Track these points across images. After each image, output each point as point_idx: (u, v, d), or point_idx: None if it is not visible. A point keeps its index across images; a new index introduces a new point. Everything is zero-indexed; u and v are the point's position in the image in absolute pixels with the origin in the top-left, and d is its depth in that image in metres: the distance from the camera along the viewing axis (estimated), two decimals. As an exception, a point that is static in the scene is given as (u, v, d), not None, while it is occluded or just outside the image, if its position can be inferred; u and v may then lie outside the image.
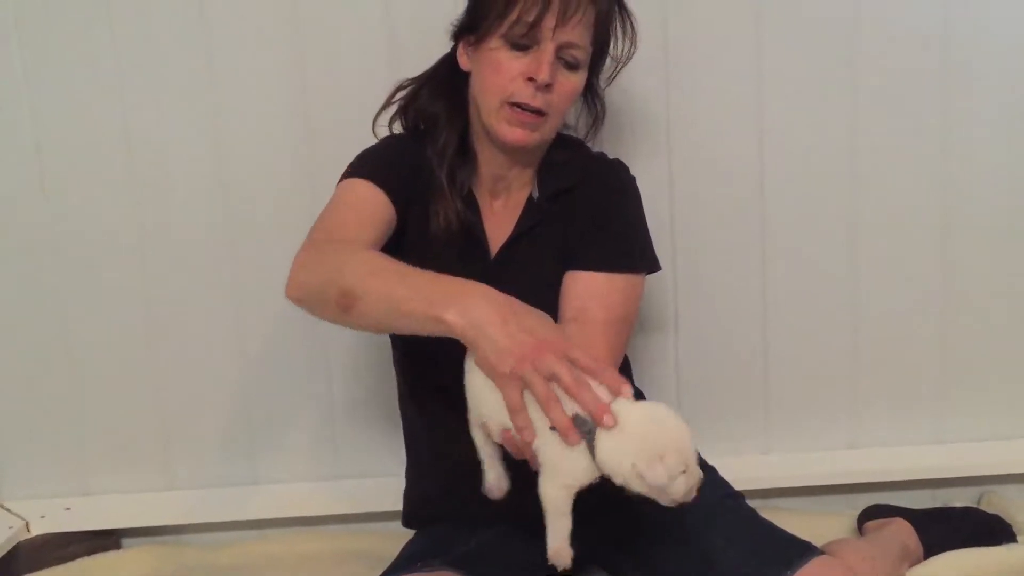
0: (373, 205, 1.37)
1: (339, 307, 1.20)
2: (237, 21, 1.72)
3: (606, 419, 1.08)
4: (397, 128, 1.51)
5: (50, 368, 1.82)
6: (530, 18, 1.32)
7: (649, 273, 1.47)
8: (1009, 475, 1.82)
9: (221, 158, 1.76)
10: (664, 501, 1.11)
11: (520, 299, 1.16)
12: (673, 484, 1.09)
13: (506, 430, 1.16)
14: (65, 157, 1.76)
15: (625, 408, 1.10)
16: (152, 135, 1.75)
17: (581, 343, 1.21)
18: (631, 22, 1.45)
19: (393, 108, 1.49)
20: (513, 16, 1.33)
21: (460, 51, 1.43)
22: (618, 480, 1.10)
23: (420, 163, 1.43)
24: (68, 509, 1.82)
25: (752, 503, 1.45)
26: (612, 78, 1.50)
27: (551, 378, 1.10)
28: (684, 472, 1.09)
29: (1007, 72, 1.75)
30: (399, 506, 1.58)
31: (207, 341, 1.82)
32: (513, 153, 1.43)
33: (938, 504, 1.80)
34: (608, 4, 1.39)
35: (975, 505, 1.79)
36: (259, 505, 1.82)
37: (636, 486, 1.10)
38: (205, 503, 1.83)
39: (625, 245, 1.44)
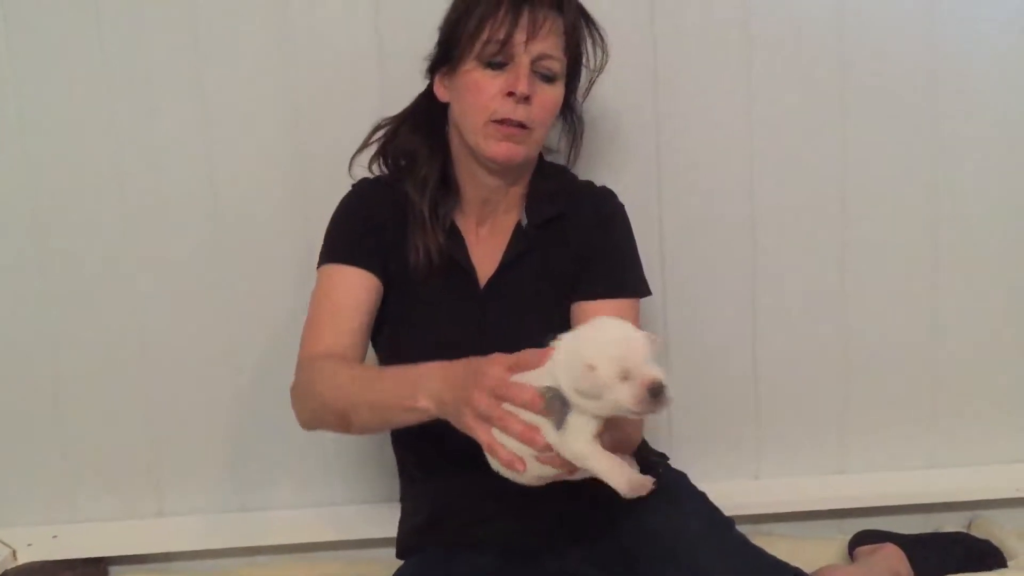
0: (348, 290, 1.42)
1: (340, 427, 1.34)
2: (229, 50, 1.73)
3: (536, 439, 1.11)
4: (376, 169, 1.53)
5: (38, 394, 1.81)
6: (501, 35, 1.36)
7: (641, 298, 1.48)
8: (999, 500, 1.82)
9: (214, 184, 1.76)
10: (619, 411, 1.10)
11: (513, 325, 1.18)
12: (614, 391, 1.09)
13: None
14: (57, 180, 1.76)
15: (568, 335, 1.14)
16: (145, 160, 1.76)
17: None
18: (598, 32, 1.48)
19: (372, 149, 1.52)
20: (485, 36, 1.37)
21: (437, 84, 1.46)
22: (582, 402, 1.10)
23: (391, 209, 1.45)
24: (55, 537, 1.81)
25: (743, 528, 1.45)
26: (588, 90, 1.53)
27: (486, 420, 1.12)
28: (626, 380, 1.09)
29: (996, 93, 1.77)
30: (392, 533, 1.57)
31: (197, 367, 1.81)
32: (501, 173, 1.44)
33: (929, 529, 1.80)
34: (574, 14, 1.43)
35: (965, 530, 1.79)
36: (249, 532, 1.81)
37: (592, 406, 1.10)
38: (194, 530, 1.81)
39: (625, 271, 1.47)
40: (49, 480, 1.84)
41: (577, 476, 1.17)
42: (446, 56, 1.43)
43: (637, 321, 1.45)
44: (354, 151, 1.53)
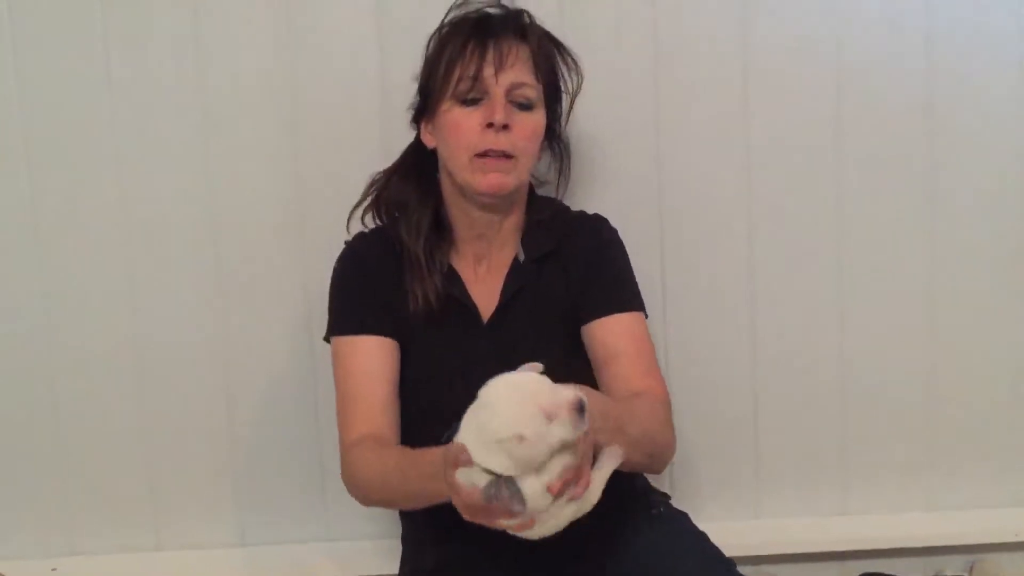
0: (368, 364, 1.46)
1: (389, 508, 1.50)
2: (232, 85, 1.75)
3: (526, 524, 1.15)
4: (371, 221, 1.56)
5: (37, 427, 1.81)
6: (471, 72, 1.40)
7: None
8: (1000, 543, 1.82)
9: (213, 221, 1.77)
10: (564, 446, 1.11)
11: (519, 360, 1.19)
12: (552, 437, 1.10)
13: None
14: (59, 216, 1.77)
15: (463, 429, 1.14)
16: (146, 197, 1.76)
17: (625, 379, 1.38)
18: (570, 55, 1.51)
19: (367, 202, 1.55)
20: (456, 75, 1.41)
21: (423, 132, 1.50)
22: (526, 468, 1.11)
23: (387, 260, 1.48)
24: (55, 569, 1.80)
25: (743, 569, 1.44)
26: (569, 113, 1.55)
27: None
28: (552, 419, 1.09)
29: (993, 143, 1.79)
30: (392, 569, 1.57)
31: (196, 401, 1.81)
32: (494, 207, 1.46)
33: (930, 572, 1.80)
34: (538, 40, 1.46)
35: (967, 574, 1.79)
36: (248, 566, 1.81)
37: (537, 463, 1.11)
38: (193, 564, 1.81)
39: (625, 287, 1.51)
40: (48, 513, 1.83)
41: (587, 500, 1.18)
42: (425, 103, 1.47)
43: (647, 333, 1.49)
44: (354, 189, 1.55)
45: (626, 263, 1.54)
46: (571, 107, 1.54)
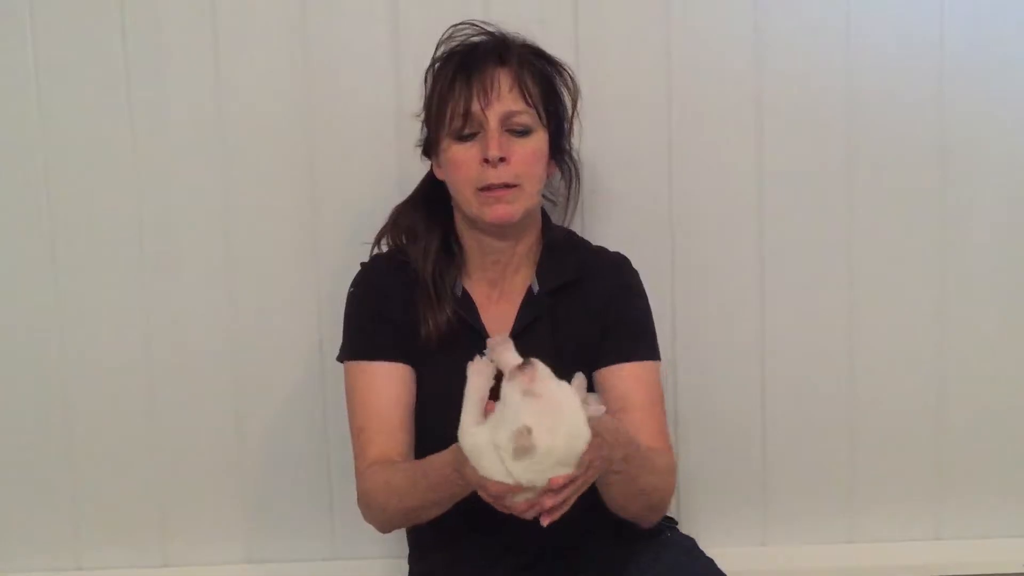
0: (383, 389, 1.46)
1: (414, 524, 1.47)
2: (250, 113, 1.76)
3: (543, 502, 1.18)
4: (385, 246, 1.57)
5: (47, 443, 1.82)
6: (460, 109, 1.41)
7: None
8: (1007, 574, 1.81)
9: (227, 240, 1.78)
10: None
11: None
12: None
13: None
14: (74, 236, 1.79)
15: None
16: (162, 219, 1.78)
17: (636, 433, 1.33)
18: (560, 67, 1.50)
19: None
20: (448, 113, 1.42)
21: (433, 165, 1.51)
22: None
23: (399, 284, 1.49)
24: (62, 585, 1.81)
25: (750, 595, 1.45)
26: (572, 125, 1.54)
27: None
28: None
29: (1006, 184, 1.79)
30: (397, 588, 1.58)
31: (206, 419, 1.82)
32: (505, 233, 1.47)
33: (936, 601, 1.79)
34: (519, 62, 1.44)
35: (974, 603, 1.78)
36: (255, 585, 1.81)
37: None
38: (200, 581, 1.81)
39: (645, 336, 1.50)
40: (55, 529, 1.84)
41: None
42: (429, 139, 1.49)
43: (659, 381, 1.49)
44: (367, 206, 1.59)
45: (646, 309, 1.53)
46: (573, 118, 1.53)
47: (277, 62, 1.75)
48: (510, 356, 1.20)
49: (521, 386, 1.15)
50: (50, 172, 1.77)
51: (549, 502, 1.17)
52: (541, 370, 1.17)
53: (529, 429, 1.12)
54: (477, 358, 1.23)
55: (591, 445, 1.16)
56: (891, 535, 1.85)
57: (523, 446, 1.12)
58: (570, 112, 1.52)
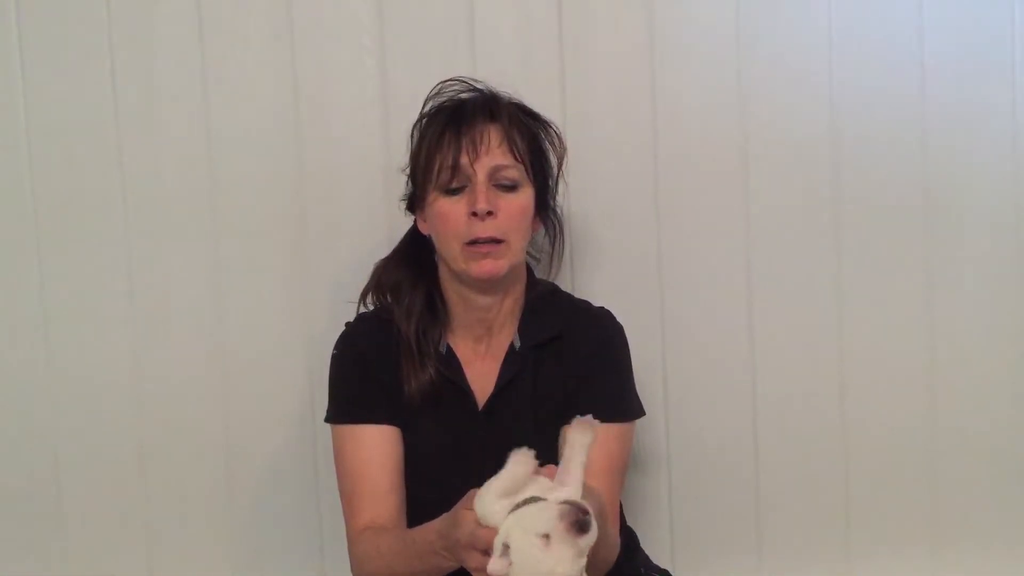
0: (371, 454, 1.46)
1: None
2: (239, 169, 1.78)
3: None
4: (371, 304, 1.57)
5: (35, 498, 1.83)
6: (449, 162, 1.42)
7: (636, 419, 1.51)
8: (1004, 617, 1.81)
9: (217, 297, 1.79)
10: None
11: (514, 447, 1.19)
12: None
13: None
14: (66, 287, 1.80)
15: None
16: (151, 280, 1.80)
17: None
18: (548, 125, 1.52)
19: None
20: (436, 167, 1.42)
21: (418, 219, 1.51)
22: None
23: (384, 343, 1.49)
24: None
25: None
26: (557, 182, 1.55)
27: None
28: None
29: (988, 218, 1.80)
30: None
31: (196, 474, 1.82)
32: (490, 289, 1.47)
33: (933, 647, 1.78)
34: (508, 119, 1.46)
35: (970, 649, 1.77)
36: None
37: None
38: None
39: (621, 395, 1.49)
40: (44, 568, 1.84)
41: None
42: (414, 193, 1.50)
43: (627, 444, 1.48)
44: (357, 256, 1.60)
45: (627, 365, 1.53)
46: (559, 176, 1.54)
47: (265, 116, 1.77)
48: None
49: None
50: (41, 218, 1.79)
51: None
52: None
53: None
54: (524, 450, 1.18)
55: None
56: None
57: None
58: (556, 170, 1.53)
